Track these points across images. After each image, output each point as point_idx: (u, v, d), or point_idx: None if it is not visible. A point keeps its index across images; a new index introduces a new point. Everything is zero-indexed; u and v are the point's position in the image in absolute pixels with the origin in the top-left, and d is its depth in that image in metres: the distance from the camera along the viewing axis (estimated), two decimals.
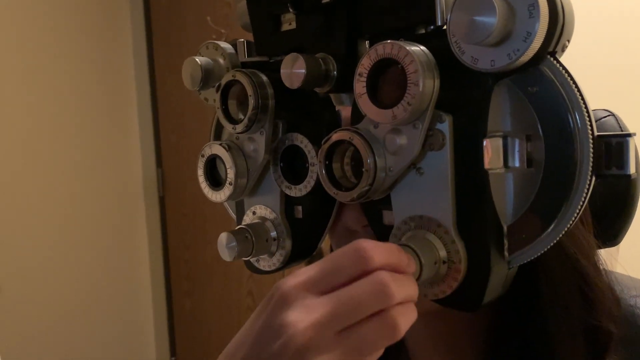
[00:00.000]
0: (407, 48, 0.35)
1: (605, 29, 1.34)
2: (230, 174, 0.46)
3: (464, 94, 0.36)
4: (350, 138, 0.38)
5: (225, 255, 0.45)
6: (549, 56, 0.34)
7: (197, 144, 2.14)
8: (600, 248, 0.49)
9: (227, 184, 0.46)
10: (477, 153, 0.35)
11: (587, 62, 1.27)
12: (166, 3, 2.22)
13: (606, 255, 0.49)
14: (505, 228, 0.36)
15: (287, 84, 0.41)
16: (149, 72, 2.28)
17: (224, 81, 0.45)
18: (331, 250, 0.51)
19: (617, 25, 1.34)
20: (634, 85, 1.33)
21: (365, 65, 0.37)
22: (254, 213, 0.48)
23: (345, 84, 0.41)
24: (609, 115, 0.57)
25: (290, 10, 0.42)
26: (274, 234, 0.47)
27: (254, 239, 0.46)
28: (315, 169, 0.43)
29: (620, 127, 0.56)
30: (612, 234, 0.56)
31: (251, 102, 0.44)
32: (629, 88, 1.33)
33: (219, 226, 2.07)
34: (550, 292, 0.43)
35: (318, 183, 0.42)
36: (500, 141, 0.35)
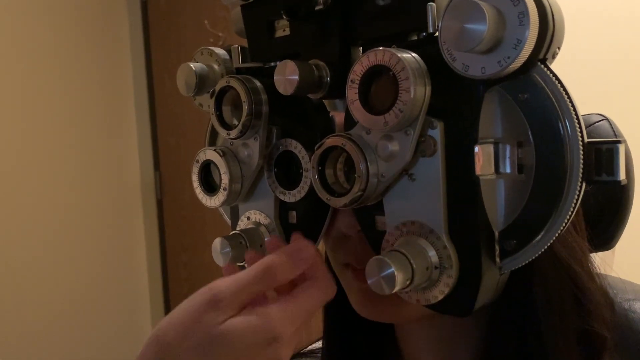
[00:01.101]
0: (399, 55, 0.35)
1: (602, 31, 1.35)
2: (225, 180, 0.46)
3: (456, 100, 0.36)
4: (342, 144, 0.38)
5: (220, 261, 0.46)
6: (539, 63, 0.34)
7: (195, 147, 2.14)
8: (593, 252, 0.49)
9: (221, 190, 0.46)
10: (469, 159, 0.35)
11: (583, 63, 1.28)
12: (164, 6, 2.22)
13: (601, 260, 0.50)
14: (496, 234, 0.37)
15: (280, 90, 0.41)
16: (147, 75, 2.28)
17: (218, 87, 0.45)
18: (325, 254, 0.51)
19: (614, 27, 1.34)
20: (629, 87, 1.34)
21: (357, 72, 0.37)
22: (248, 218, 0.48)
23: (338, 90, 0.42)
24: (602, 120, 0.58)
25: (284, 17, 0.43)
26: (268, 239, 0.47)
27: (248, 244, 0.46)
28: (309, 175, 0.43)
29: (613, 131, 0.57)
30: (606, 238, 0.56)
31: (245, 108, 0.44)
32: (625, 89, 1.34)
33: (217, 228, 2.07)
34: (543, 297, 0.43)
35: (312, 189, 0.42)
36: (491, 147, 0.35)
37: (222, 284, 0.37)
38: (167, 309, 2.35)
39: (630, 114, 1.19)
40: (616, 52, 1.35)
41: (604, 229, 0.55)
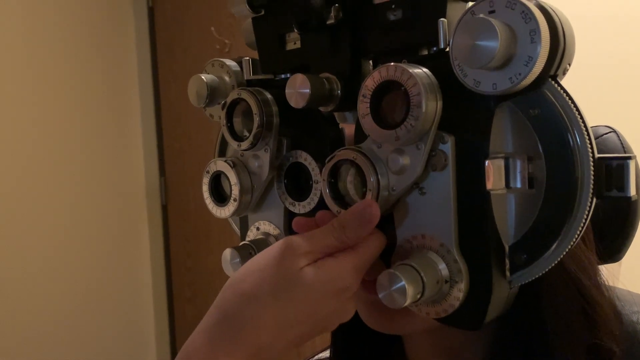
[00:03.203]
0: (410, 70, 0.35)
1: (612, 36, 1.34)
2: (235, 190, 0.46)
3: (467, 115, 0.36)
4: (353, 157, 0.39)
5: (229, 271, 0.46)
6: (550, 79, 0.34)
7: (200, 153, 2.15)
8: (600, 264, 0.49)
9: (231, 200, 0.47)
10: (479, 174, 0.36)
11: (586, 69, 1.27)
12: (170, 12, 2.23)
13: (607, 272, 0.50)
14: (506, 248, 0.37)
15: (292, 103, 0.41)
16: (153, 80, 2.29)
17: (229, 99, 0.45)
18: None
19: (623, 31, 1.34)
20: (634, 94, 1.33)
21: (368, 86, 0.37)
22: (257, 229, 0.49)
23: (349, 103, 0.42)
24: (610, 132, 0.58)
25: (295, 30, 0.43)
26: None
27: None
28: (319, 187, 0.44)
29: (621, 144, 0.57)
30: (614, 250, 0.56)
31: (256, 120, 0.44)
32: (630, 96, 1.33)
33: (221, 234, 2.07)
34: (552, 310, 0.43)
35: (322, 200, 0.42)
36: (502, 162, 0.35)
37: (298, 236, 0.39)
38: (171, 314, 2.35)
39: (636, 122, 1.18)
40: (620, 58, 1.34)
41: (612, 241, 0.55)
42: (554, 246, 0.35)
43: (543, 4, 0.34)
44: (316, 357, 0.65)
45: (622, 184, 0.34)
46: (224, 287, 0.39)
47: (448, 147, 0.37)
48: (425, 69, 0.36)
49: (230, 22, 1.94)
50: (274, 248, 0.38)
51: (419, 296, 0.36)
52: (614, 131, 0.57)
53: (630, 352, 0.46)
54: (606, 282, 0.48)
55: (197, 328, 0.38)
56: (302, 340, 0.38)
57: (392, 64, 0.36)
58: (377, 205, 0.38)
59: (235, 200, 0.46)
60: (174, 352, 2.34)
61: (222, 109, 0.46)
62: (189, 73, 0.47)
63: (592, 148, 0.34)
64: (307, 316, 0.37)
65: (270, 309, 0.36)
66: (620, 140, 0.56)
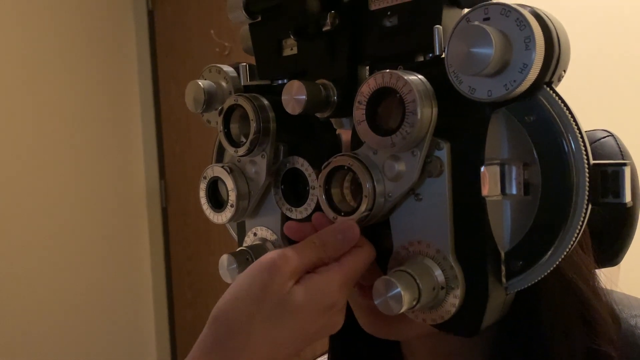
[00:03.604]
0: (405, 78, 0.35)
1: (611, 37, 1.34)
2: (232, 196, 0.46)
3: (462, 122, 0.36)
4: (349, 164, 0.39)
5: (227, 277, 0.46)
6: (545, 86, 0.34)
7: (200, 155, 2.15)
8: (598, 268, 0.49)
9: (228, 206, 0.47)
10: (475, 180, 0.36)
11: (591, 71, 1.28)
12: (170, 15, 2.24)
13: (606, 276, 0.50)
14: (502, 254, 0.37)
15: (288, 109, 0.41)
16: (153, 83, 2.29)
17: (226, 105, 0.45)
18: None
19: (622, 32, 1.34)
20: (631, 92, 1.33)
21: (364, 93, 0.37)
22: (254, 234, 0.49)
23: (345, 109, 0.42)
24: (608, 136, 0.58)
25: (292, 37, 0.43)
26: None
27: (254, 260, 0.46)
28: (316, 192, 0.44)
29: (619, 148, 0.57)
30: (611, 254, 0.56)
31: (253, 126, 0.44)
32: (626, 94, 1.33)
33: (222, 237, 2.07)
34: (550, 316, 0.43)
35: (318, 206, 0.42)
36: (497, 169, 0.36)
37: (281, 253, 0.38)
38: (171, 316, 2.35)
39: (632, 121, 1.18)
40: (619, 59, 1.34)
41: (610, 245, 0.55)
42: (549, 252, 0.35)
43: (538, 11, 0.34)
44: None
45: (618, 190, 0.34)
46: (214, 312, 0.38)
47: (444, 153, 0.37)
48: (420, 76, 0.36)
49: (229, 25, 1.94)
50: (259, 268, 0.38)
51: (415, 303, 0.36)
52: (612, 135, 0.57)
53: (628, 356, 0.46)
54: (604, 287, 0.48)
55: (191, 354, 0.38)
56: (295, 354, 0.38)
57: (387, 70, 0.36)
58: (356, 226, 0.39)
59: (232, 206, 0.46)
60: (174, 356, 2.34)
61: (219, 115, 0.46)
62: (189, 76, 0.47)
63: (587, 154, 0.34)
64: (298, 335, 0.37)
65: (263, 332, 0.36)
66: (617, 144, 0.56)
